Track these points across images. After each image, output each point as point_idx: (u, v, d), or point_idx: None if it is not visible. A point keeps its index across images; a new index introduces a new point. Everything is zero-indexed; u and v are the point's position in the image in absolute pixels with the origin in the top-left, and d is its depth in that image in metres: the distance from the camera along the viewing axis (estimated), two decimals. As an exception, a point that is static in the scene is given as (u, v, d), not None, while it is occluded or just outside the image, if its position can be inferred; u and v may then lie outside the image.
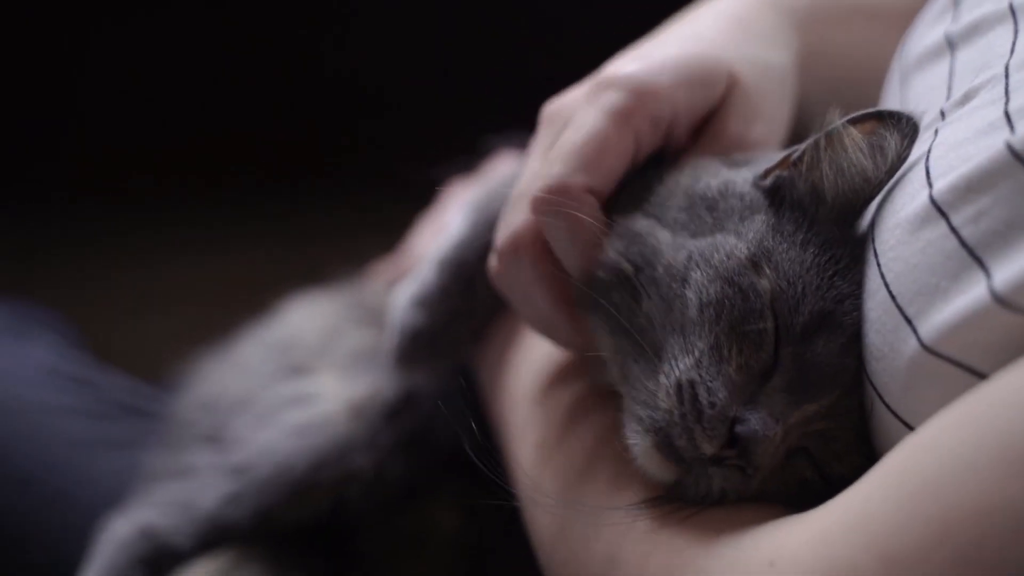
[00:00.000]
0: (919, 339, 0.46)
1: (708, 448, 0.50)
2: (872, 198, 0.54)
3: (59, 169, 1.98)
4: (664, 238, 0.55)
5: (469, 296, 0.67)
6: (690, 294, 0.52)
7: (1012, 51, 0.51)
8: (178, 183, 1.94)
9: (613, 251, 0.55)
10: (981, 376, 0.44)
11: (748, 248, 0.52)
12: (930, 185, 0.48)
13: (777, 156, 0.56)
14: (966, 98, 0.51)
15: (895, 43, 0.64)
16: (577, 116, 0.57)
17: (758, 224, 0.54)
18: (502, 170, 0.77)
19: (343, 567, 0.76)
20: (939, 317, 0.45)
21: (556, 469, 0.58)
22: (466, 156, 0.80)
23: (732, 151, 0.59)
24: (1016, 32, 0.52)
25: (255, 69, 1.97)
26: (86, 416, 0.86)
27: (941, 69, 0.56)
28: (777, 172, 0.55)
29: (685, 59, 0.58)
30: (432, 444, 0.74)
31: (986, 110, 0.49)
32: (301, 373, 0.78)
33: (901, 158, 0.53)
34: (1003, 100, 0.48)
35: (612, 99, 0.57)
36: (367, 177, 1.74)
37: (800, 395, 0.51)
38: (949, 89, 0.54)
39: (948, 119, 0.52)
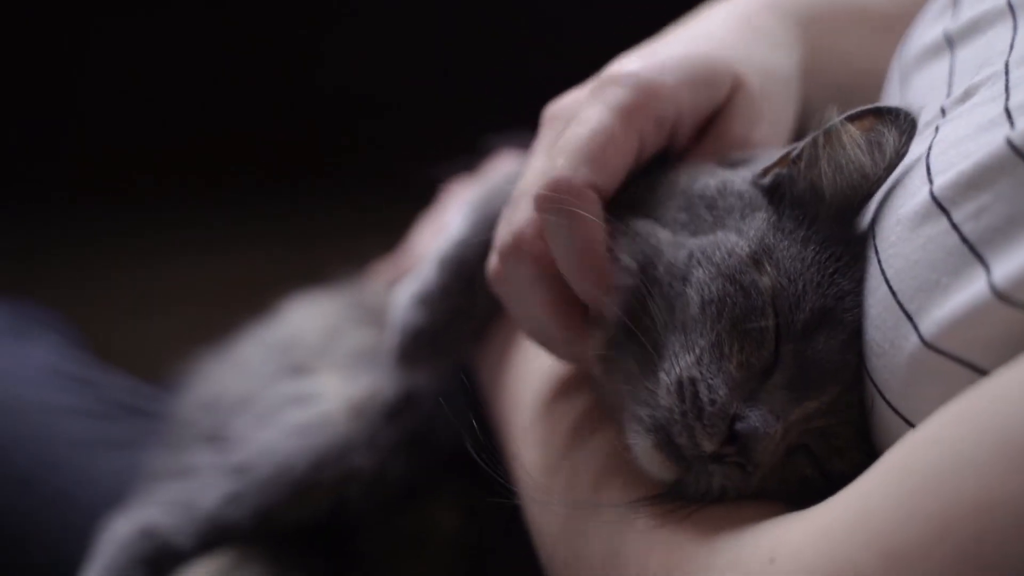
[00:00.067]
0: (920, 335, 0.46)
1: (708, 445, 0.50)
2: (871, 195, 0.54)
3: (59, 169, 1.99)
4: (664, 237, 0.55)
5: (470, 295, 0.67)
6: (691, 292, 0.52)
7: (1011, 48, 0.51)
8: (178, 183, 1.94)
9: (619, 250, 0.55)
10: (982, 372, 0.44)
11: (749, 245, 0.52)
12: (931, 182, 0.48)
13: (776, 154, 0.56)
14: (966, 95, 0.51)
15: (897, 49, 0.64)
16: (582, 112, 0.57)
17: (759, 222, 0.54)
18: (502, 169, 0.77)
19: (343, 567, 0.76)
20: (939, 313, 0.45)
21: (559, 469, 0.58)
22: (466, 156, 0.80)
23: (734, 152, 0.59)
24: (1015, 29, 0.52)
25: (255, 69, 1.97)
26: (87, 416, 0.86)
27: (941, 67, 0.56)
28: (777, 170, 0.55)
29: (690, 59, 0.58)
30: (432, 444, 0.74)
31: (986, 107, 0.49)
32: (302, 373, 0.78)
33: (899, 154, 0.53)
34: (1003, 97, 0.48)
35: (617, 95, 0.56)
36: (367, 177, 1.74)
37: (801, 392, 0.51)
38: (949, 87, 0.54)
39: (949, 116, 0.52)
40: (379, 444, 0.73)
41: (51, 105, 1.99)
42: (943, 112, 0.52)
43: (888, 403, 0.49)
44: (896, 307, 0.48)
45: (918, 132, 0.53)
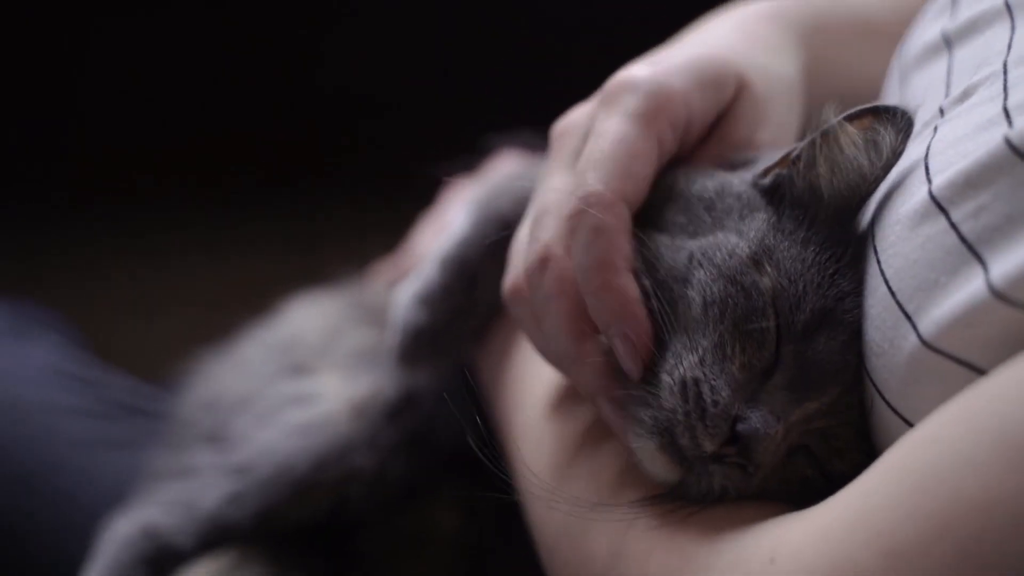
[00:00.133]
0: (919, 335, 0.46)
1: (709, 446, 0.50)
2: (870, 194, 0.54)
3: (59, 169, 1.99)
4: (663, 241, 0.55)
5: (471, 294, 0.67)
6: (693, 294, 0.52)
7: (1010, 47, 0.51)
8: (178, 183, 1.94)
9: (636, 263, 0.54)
10: (980, 372, 0.44)
11: (749, 246, 0.53)
12: (929, 181, 0.48)
13: (776, 155, 0.56)
14: (965, 95, 0.51)
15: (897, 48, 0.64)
16: (599, 124, 0.56)
17: (758, 222, 0.54)
18: (504, 169, 0.77)
19: (344, 567, 0.76)
20: (938, 313, 0.46)
21: (561, 469, 0.58)
22: (467, 156, 0.80)
23: (738, 154, 0.59)
24: (1013, 29, 0.52)
25: (255, 69, 1.97)
26: (87, 416, 0.86)
27: (939, 67, 0.56)
28: (776, 171, 0.55)
29: (697, 61, 0.58)
30: (433, 444, 0.74)
31: (985, 106, 0.49)
32: (302, 373, 0.78)
33: (896, 153, 0.53)
34: (1002, 96, 0.48)
35: (632, 103, 0.55)
36: (367, 177, 1.74)
37: (801, 393, 0.51)
38: (948, 86, 0.54)
39: (947, 116, 0.52)
40: (380, 444, 0.73)
41: (51, 105, 1.99)
42: (942, 112, 0.53)
43: (887, 403, 0.49)
44: (895, 307, 0.48)
45: (917, 132, 0.53)
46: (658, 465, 0.52)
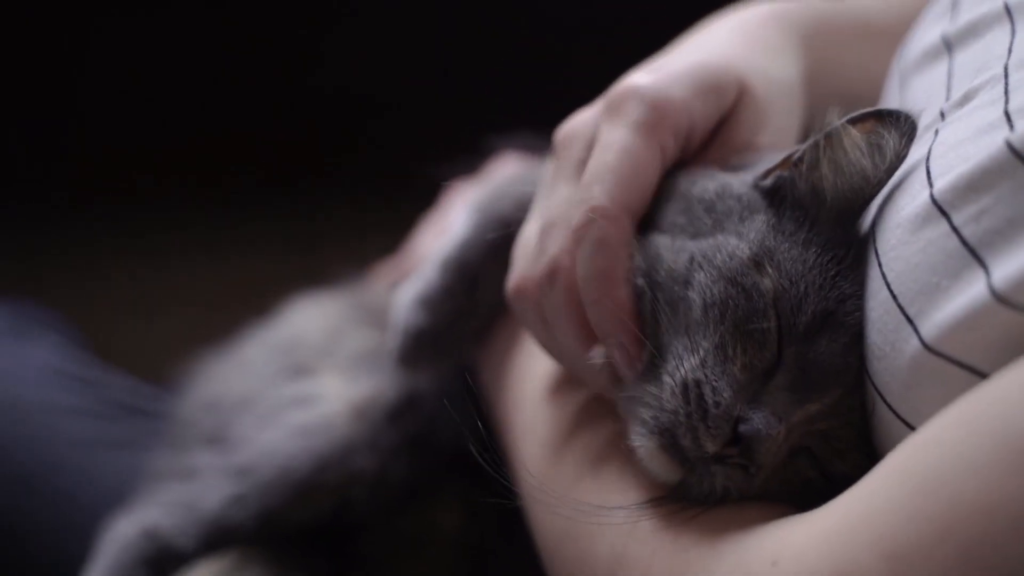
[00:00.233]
0: (920, 338, 0.47)
1: (711, 447, 0.50)
2: (872, 197, 0.54)
3: (59, 169, 1.99)
4: (663, 243, 0.55)
5: (472, 296, 0.67)
6: (693, 295, 0.52)
7: (1010, 51, 0.51)
8: (178, 183, 1.94)
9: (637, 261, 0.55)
10: (982, 375, 0.44)
11: (750, 248, 0.53)
12: (931, 185, 0.48)
13: (777, 157, 0.56)
14: (965, 99, 0.51)
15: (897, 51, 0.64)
16: (602, 136, 0.57)
17: (759, 224, 0.54)
18: (505, 171, 0.77)
19: (345, 568, 0.76)
20: (940, 316, 0.46)
21: (562, 469, 0.58)
22: (466, 156, 0.80)
23: (739, 157, 0.59)
24: (1013, 32, 0.52)
25: (255, 69, 1.97)
26: (88, 416, 0.86)
27: (940, 70, 0.56)
28: (777, 172, 0.56)
29: (698, 68, 0.58)
30: (434, 445, 0.74)
31: (986, 110, 0.49)
32: (304, 374, 0.78)
33: (900, 157, 0.53)
34: (1003, 100, 0.48)
35: (634, 114, 0.56)
36: (367, 177, 1.75)
37: (803, 394, 0.51)
38: (948, 90, 0.54)
39: (948, 119, 0.52)
40: (381, 446, 0.73)
41: (51, 105, 1.99)
42: (942, 115, 0.53)
43: (889, 406, 0.49)
44: (897, 310, 0.48)
45: (918, 135, 0.53)
46: (659, 464, 0.52)
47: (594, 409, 0.59)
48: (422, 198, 0.85)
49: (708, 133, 0.60)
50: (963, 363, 0.45)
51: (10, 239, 1.82)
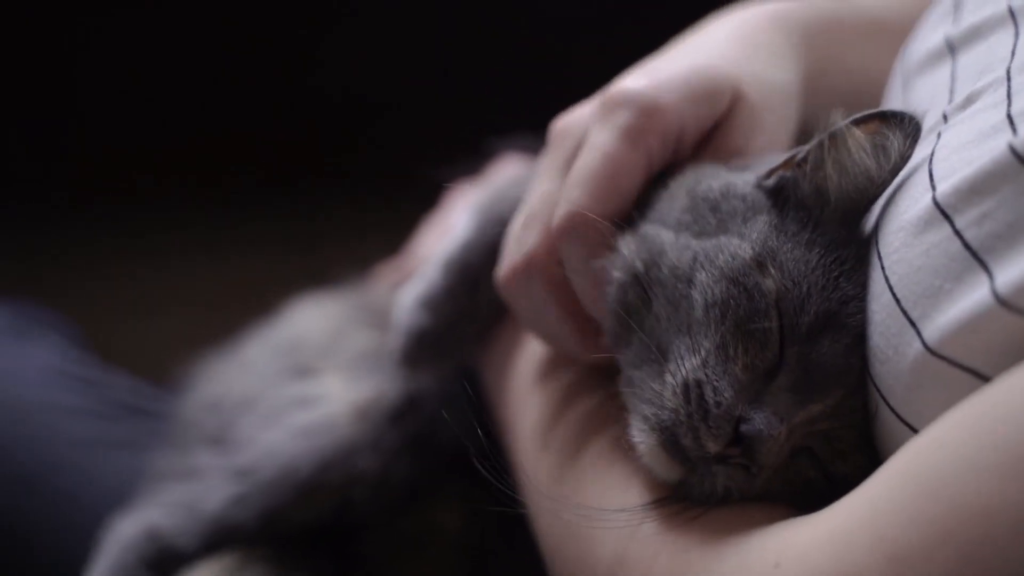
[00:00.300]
0: (923, 342, 0.47)
1: (713, 447, 0.50)
2: (876, 198, 0.54)
3: (59, 169, 1.99)
4: (668, 239, 0.55)
5: (474, 297, 0.68)
6: (696, 295, 0.52)
7: (1013, 54, 0.51)
8: (178, 183, 1.94)
9: (627, 250, 0.55)
10: (984, 379, 0.44)
11: (752, 248, 0.53)
12: (933, 188, 0.48)
13: (780, 157, 0.56)
14: (968, 101, 0.52)
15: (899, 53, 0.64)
16: (590, 138, 0.58)
17: (761, 224, 0.54)
18: (507, 173, 0.77)
19: (347, 569, 0.76)
20: (942, 319, 0.46)
21: (564, 470, 0.59)
22: (467, 157, 0.80)
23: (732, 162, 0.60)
24: (1016, 35, 0.52)
25: (255, 69, 1.97)
26: (90, 416, 0.86)
27: (943, 73, 0.56)
28: (781, 172, 0.56)
29: (691, 73, 0.59)
30: (435, 446, 0.74)
31: (988, 113, 0.49)
32: (306, 374, 0.78)
33: (904, 157, 0.53)
34: (1005, 103, 0.48)
35: (622, 119, 0.58)
36: (367, 177, 1.75)
37: (805, 395, 0.51)
38: (951, 92, 0.54)
39: (951, 122, 0.52)
40: (383, 447, 0.73)
41: (51, 105, 1.99)
42: (945, 118, 0.53)
43: (892, 409, 0.49)
44: (899, 313, 0.48)
45: (920, 137, 0.53)
46: (659, 462, 0.52)
47: (597, 412, 0.60)
48: (422, 198, 0.85)
49: (700, 138, 0.60)
50: (965, 366, 0.45)
51: (10, 239, 1.82)
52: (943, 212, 0.47)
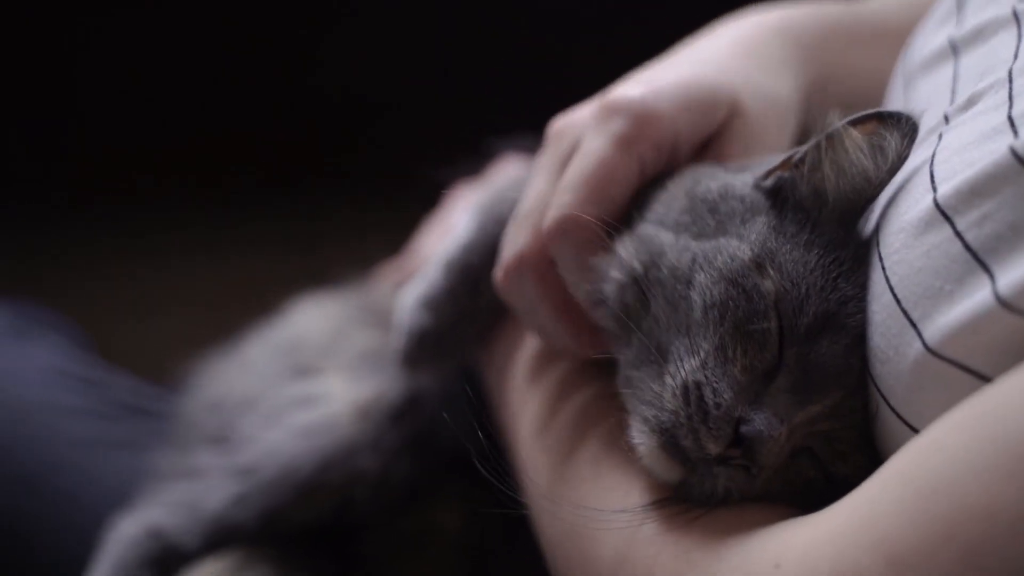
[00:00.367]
0: (923, 342, 0.47)
1: (713, 448, 0.50)
2: (874, 198, 0.54)
3: (59, 169, 1.98)
4: (667, 240, 0.55)
5: (475, 298, 0.68)
6: (695, 296, 0.52)
7: (1016, 56, 0.51)
8: (178, 183, 1.94)
9: (625, 252, 0.56)
10: (985, 379, 0.44)
11: (751, 249, 0.53)
12: (934, 189, 0.49)
13: (778, 158, 0.56)
14: (970, 102, 0.52)
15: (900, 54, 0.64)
16: (584, 143, 0.59)
17: (760, 226, 0.54)
18: (508, 173, 0.78)
19: (348, 568, 0.76)
20: (943, 320, 0.46)
21: (565, 471, 0.59)
22: (467, 157, 0.80)
23: None
24: (1020, 37, 0.52)
25: (255, 69, 1.97)
26: (91, 416, 0.86)
27: (945, 73, 0.56)
28: (778, 173, 0.56)
29: (689, 84, 0.60)
30: (436, 445, 0.74)
31: (990, 115, 0.49)
32: (307, 374, 0.78)
33: (902, 157, 0.53)
34: (1007, 104, 0.48)
35: (617, 126, 0.58)
36: (368, 177, 1.75)
37: (804, 395, 0.51)
38: (953, 93, 0.54)
39: (952, 123, 0.52)
40: (384, 446, 0.73)
41: (51, 105, 1.99)
42: (946, 119, 0.53)
43: (892, 409, 0.49)
44: (900, 314, 0.48)
45: (921, 138, 0.53)
46: (659, 463, 0.52)
47: (598, 411, 0.60)
48: (422, 198, 0.85)
49: (695, 147, 0.61)
50: (966, 367, 0.45)
51: (10, 239, 1.82)
52: (944, 213, 0.47)
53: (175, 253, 1.84)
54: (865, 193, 0.54)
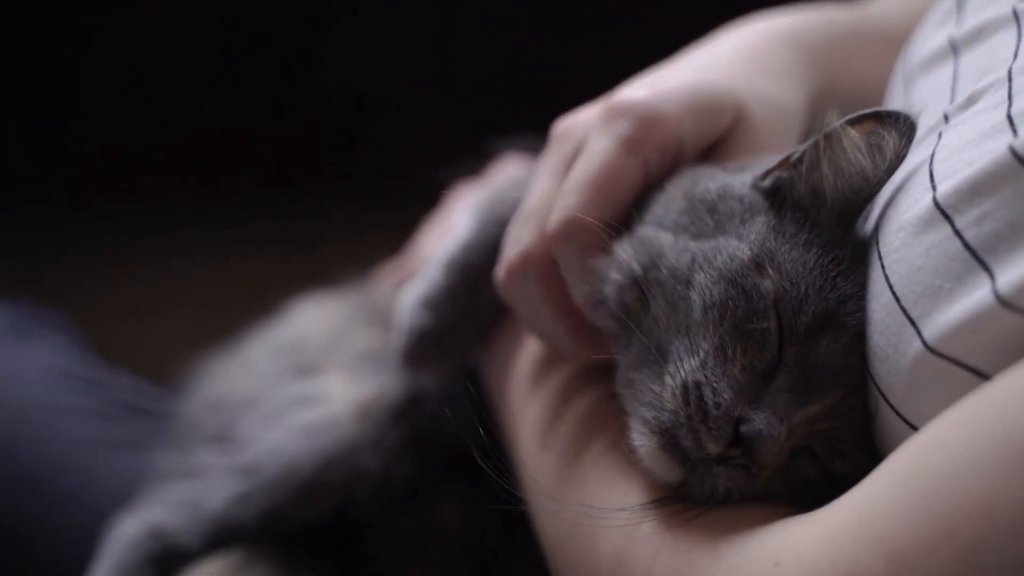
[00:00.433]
0: (923, 340, 0.47)
1: (713, 448, 0.50)
2: (872, 197, 0.54)
3: (59, 169, 1.99)
4: (667, 241, 0.55)
5: (475, 297, 0.68)
6: (694, 296, 0.53)
7: (1015, 55, 0.51)
8: (178, 183, 1.94)
9: (624, 253, 0.56)
10: (984, 377, 0.44)
11: (751, 249, 0.53)
12: (934, 188, 0.49)
13: (776, 158, 0.56)
14: (969, 102, 0.52)
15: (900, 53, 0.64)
16: (589, 144, 0.59)
17: (759, 226, 0.54)
18: (508, 173, 0.78)
19: (350, 568, 0.76)
20: (943, 318, 0.46)
21: (565, 470, 0.59)
22: (467, 157, 0.80)
23: None
24: (1019, 36, 0.52)
25: (255, 69, 1.97)
26: (92, 416, 0.86)
27: (944, 73, 0.56)
28: (777, 173, 0.56)
29: (695, 88, 0.60)
30: (437, 445, 0.74)
31: (989, 114, 0.49)
32: (309, 373, 0.79)
33: (899, 157, 0.53)
34: (1006, 104, 0.49)
35: (622, 128, 0.58)
36: (368, 177, 1.75)
37: (804, 395, 0.51)
38: (953, 92, 0.55)
39: (952, 122, 0.52)
40: (385, 445, 0.74)
41: (51, 105, 1.99)
42: (946, 118, 0.53)
43: (892, 407, 0.49)
44: (899, 312, 0.49)
45: (921, 137, 0.53)
46: (660, 464, 0.52)
47: (599, 412, 0.60)
48: (422, 198, 0.85)
49: (699, 151, 0.61)
50: (966, 364, 0.45)
51: (10, 239, 1.82)
52: (943, 212, 0.47)
53: (175, 253, 1.84)
54: (863, 192, 0.54)
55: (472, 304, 0.68)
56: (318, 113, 1.97)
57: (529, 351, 0.66)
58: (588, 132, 0.60)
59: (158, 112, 1.95)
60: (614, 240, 0.57)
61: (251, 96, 1.98)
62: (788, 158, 0.56)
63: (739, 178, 0.57)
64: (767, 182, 0.56)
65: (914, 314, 0.48)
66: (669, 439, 0.51)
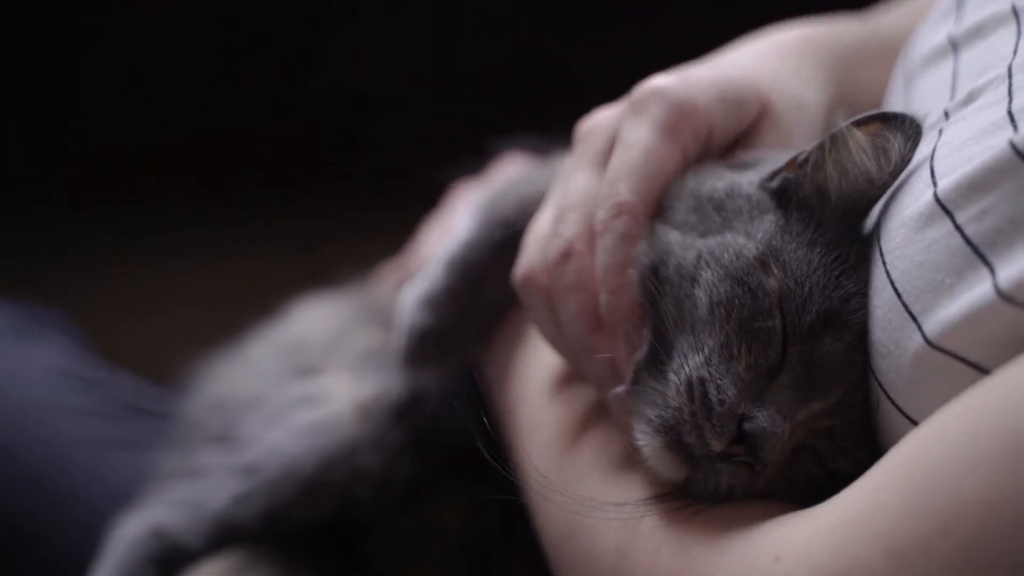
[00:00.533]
0: (924, 335, 0.47)
1: (717, 445, 0.50)
2: (877, 199, 0.54)
3: (59, 169, 1.99)
4: (674, 238, 0.55)
5: (476, 296, 0.68)
6: (700, 293, 0.53)
7: (1015, 52, 0.51)
8: (178, 183, 1.94)
9: (639, 250, 0.56)
10: (985, 372, 0.44)
11: (757, 248, 0.53)
12: (935, 184, 0.49)
13: (783, 158, 0.57)
14: (970, 98, 0.52)
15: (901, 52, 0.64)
16: (625, 133, 0.58)
17: (767, 224, 0.54)
18: (508, 172, 0.78)
19: (351, 568, 0.76)
20: (944, 314, 0.46)
21: (566, 467, 0.59)
22: (468, 157, 0.81)
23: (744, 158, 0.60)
24: (1019, 33, 0.52)
25: (255, 70, 1.97)
26: (94, 416, 0.86)
27: (945, 70, 0.56)
28: (784, 174, 0.56)
29: (721, 80, 0.59)
30: (438, 444, 0.75)
31: (990, 110, 0.49)
32: (310, 373, 0.79)
33: (905, 159, 0.53)
34: (1006, 100, 0.49)
35: (659, 113, 0.57)
36: (368, 177, 1.75)
37: (807, 393, 0.51)
38: (953, 90, 0.55)
39: (952, 119, 0.52)
40: (386, 445, 0.74)
41: (51, 105, 1.99)
42: (946, 115, 0.53)
43: (893, 402, 0.49)
44: (901, 308, 0.49)
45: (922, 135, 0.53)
46: (664, 463, 0.52)
47: (598, 406, 0.60)
48: (422, 198, 0.85)
49: (726, 144, 0.60)
50: (967, 359, 0.45)
51: (10, 239, 1.82)
52: (944, 208, 0.47)
53: (175, 253, 1.84)
54: (867, 194, 0.54)
55: (473, 303, 0.68)
56: (318, 113, 1.98)
57: (528, 348, 0.66)
58: (620, 123, 0.59)
59: (158, 112, 1.95)
60: (656, 228, 0.56)
61: (251, 96, 1.98)
62: (795, 158, 0.56)
63: (746, 176, 0.57)
64: (774, 183, 0.56)
65: (915, 309, 0.48)
66: (673, 437, 0.52)
